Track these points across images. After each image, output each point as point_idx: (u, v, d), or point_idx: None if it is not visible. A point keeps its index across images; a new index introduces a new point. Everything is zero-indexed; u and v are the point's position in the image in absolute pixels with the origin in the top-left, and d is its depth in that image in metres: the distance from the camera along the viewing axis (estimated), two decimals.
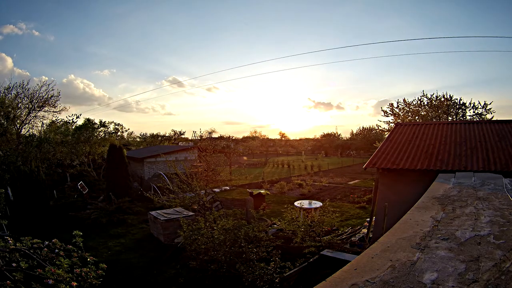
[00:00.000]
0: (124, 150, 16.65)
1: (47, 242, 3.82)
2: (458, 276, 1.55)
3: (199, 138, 50.04)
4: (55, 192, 15.58)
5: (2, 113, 17.08)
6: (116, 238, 9.71)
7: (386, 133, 21.36)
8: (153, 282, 6.72)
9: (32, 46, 73.99)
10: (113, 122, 31.22)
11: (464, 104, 19.29)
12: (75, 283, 3.24)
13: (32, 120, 19.34)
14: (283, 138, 69.32)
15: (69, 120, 21.46)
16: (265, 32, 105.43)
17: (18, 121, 18.61)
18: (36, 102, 18.92)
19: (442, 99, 19.61)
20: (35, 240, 3.74)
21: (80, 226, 9.58)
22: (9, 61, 60.68)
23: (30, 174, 12.13)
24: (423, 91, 44.48)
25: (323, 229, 8.06)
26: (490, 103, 18.90)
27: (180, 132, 52.01)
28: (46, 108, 19.53)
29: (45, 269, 3.19)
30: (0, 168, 12.62)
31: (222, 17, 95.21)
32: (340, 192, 17.00)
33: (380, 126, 23.05)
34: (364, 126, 60.70)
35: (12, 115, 17.75)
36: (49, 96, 19.23)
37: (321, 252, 6.77)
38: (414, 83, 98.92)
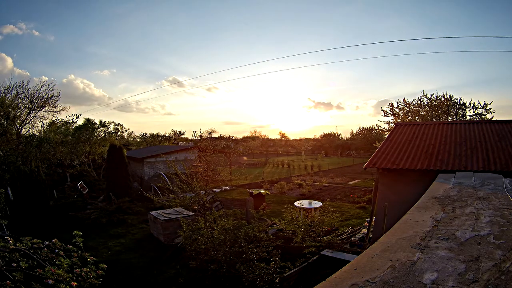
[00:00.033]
0: (124, 150, 16.66)
1: (47, 242, 3.82)
2: (458, 276, 1.55)
3: (199, 138, 49.99)
4: (55, 192, 15.58)
5: (2, 113, 17.09)
6: (116, 238, 9.72)
7: (386, 133, 21.36)
8: (153, 282, 6.72)
9: (32, 46, 74.14)
10: (113, 122, 31.29)
11: (464, 104, 19.32)
12: (75, 283, 3.24)
13: (32, 120, 19.39)
14: (283, 138, 69.37)
15: (69, 120, 21.53)
16: (265, 32, 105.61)
17: (18, 121, 18.63)
18: (36, 102, 18.94)
19: (442, 99, 19.62)
20: (35, 240, 3.74)
21: (80, 226, 9.58)
22: (9, 61, 60.79)
23: (30, 174, 12.13)
24: (423, 91, 44.63)
25: (323, 229, 8.06)
26: (490, 103, 18.95)
27: (180, 132, 52.08)
28: (46, 108, 19.57)
29: (45, 269, 3.19)
30: (0, 168, 12.62)
31: (222, 17, 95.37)
32: (340, 192, 16.99)
33: (380, 126, 23.09)
34: (364, 126, 60.84)
35: (12, 115, 17.76)
36: (49, 96, 19.29)
37: (321, 252, 6.77)
38: (414, 83, 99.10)
